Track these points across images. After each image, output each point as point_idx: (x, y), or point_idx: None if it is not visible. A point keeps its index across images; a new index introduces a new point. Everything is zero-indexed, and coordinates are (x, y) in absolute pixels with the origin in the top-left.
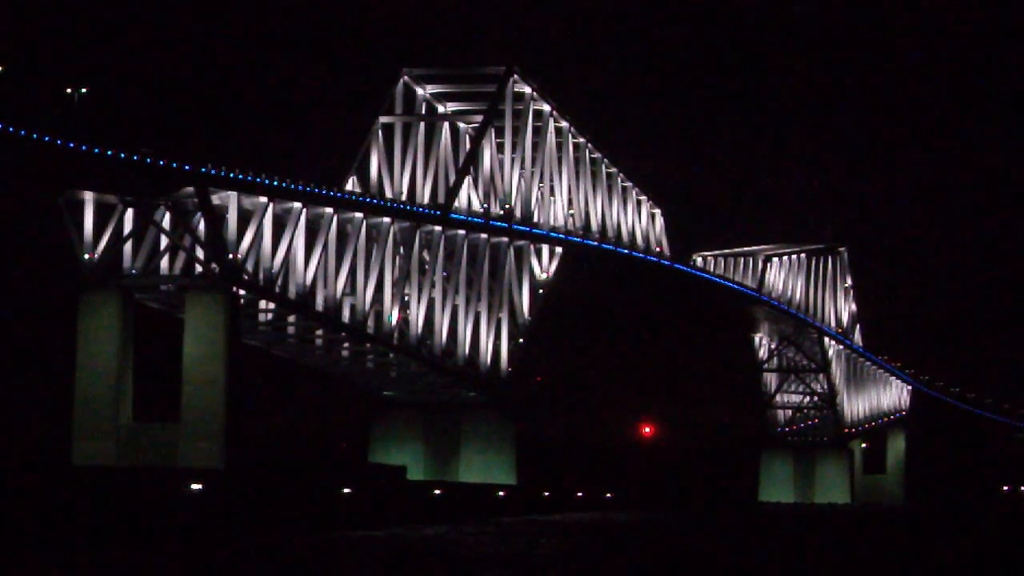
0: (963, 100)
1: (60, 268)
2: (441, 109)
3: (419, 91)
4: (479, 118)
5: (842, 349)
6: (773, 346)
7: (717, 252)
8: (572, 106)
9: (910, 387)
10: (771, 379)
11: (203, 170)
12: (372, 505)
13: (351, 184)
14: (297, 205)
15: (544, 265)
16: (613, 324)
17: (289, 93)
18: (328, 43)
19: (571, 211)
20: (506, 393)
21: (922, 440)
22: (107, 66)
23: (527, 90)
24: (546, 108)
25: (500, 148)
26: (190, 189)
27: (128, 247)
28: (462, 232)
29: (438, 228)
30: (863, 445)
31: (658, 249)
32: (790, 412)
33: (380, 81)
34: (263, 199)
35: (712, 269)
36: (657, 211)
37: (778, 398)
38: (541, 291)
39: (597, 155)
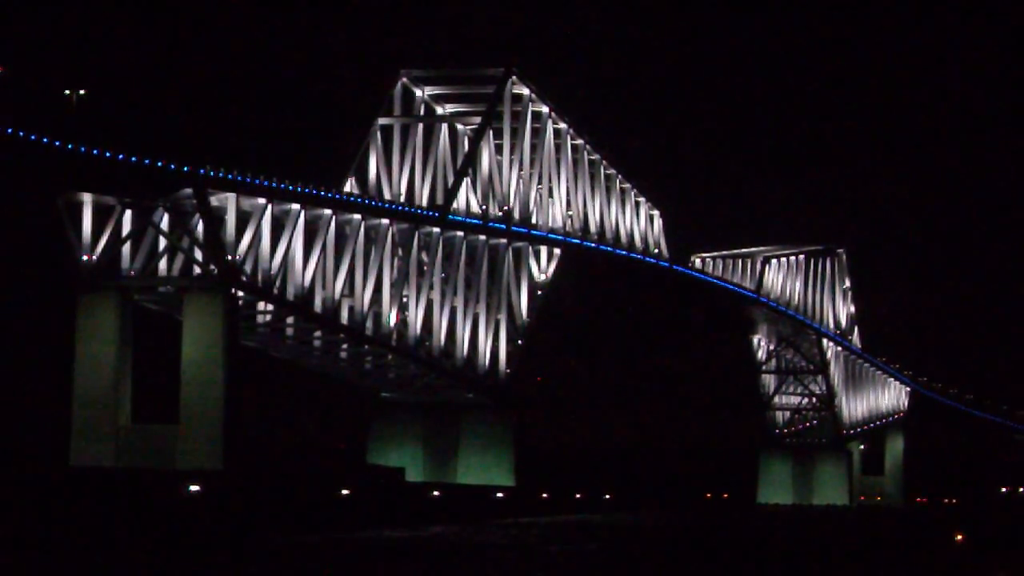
0: (963, 100)
1: (59, 269)
2: (440, 110)
3: (417, 92)
4: (477, 119)
5: (840, 350)
6: (772, 348)
7: (715, 254)
8: (571, 107)
9: (909, 388)
10: (770, 380)
11: (201, 171)
12: (370, 506)
13: (349, 185)
14: (296, 206)
15: (543, 266)
16: (612, 325)
17: (289, 93)
18: (328, 43)
19: (570, 212)
20: (505, 394)
21: (921, 441)
22: (106, 66)
23: (525, 91)
24: (545, 109)
25: (499, 149)
26: (188, 190)
27: (127, 248)
28: (460, 233)
29: (436, 229)
30: (862, 446)
31: (656, 250)
32: (789, 414)
33: (379, 82)
34: (261, 200)
35: (711, 271)
36: (656, 212)
37: (777, 400)
38: (539, 292)
39: (596, 156)
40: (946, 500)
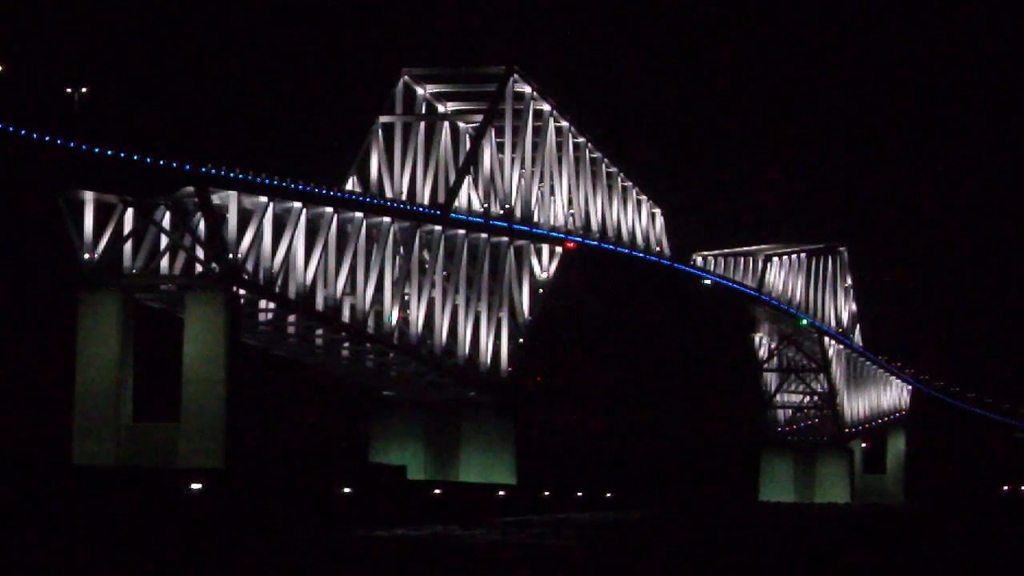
0: (963, 99)
1: (60, 268)
2: (441, 109)
3: (419, 91)
4: (479, 118)
5: (842, 349)
6: (773, 346)
7: (717, 252)
8: (572, 106)
9: (910, 387)
10: (771, 379)
11: (203, 170)
12: (372, 505)
13: (351, 184)
14: (297, 205)
15: (544, 265)
16: (613, 324)
17: (289, 93)
18: (328, 43)
19: (571, 211)
20: (506, 393)
21: (922, 440)
22: (107, 66)
23: (527, 90)
24: (546, 108)
25: (500, 148)
26: (190, 189)
27: (128, 247)
28: (462, 232)
29: (438, 228)
30: (863, 445)
31: (658, 249)
32: (790, 412)
33: (380, 81)
34: (263, 199)
35: (712, 269)
36: (657, 211)
37: (778, 398)
38: (541, 291)
39: (597, 155)
40: (947, 499)
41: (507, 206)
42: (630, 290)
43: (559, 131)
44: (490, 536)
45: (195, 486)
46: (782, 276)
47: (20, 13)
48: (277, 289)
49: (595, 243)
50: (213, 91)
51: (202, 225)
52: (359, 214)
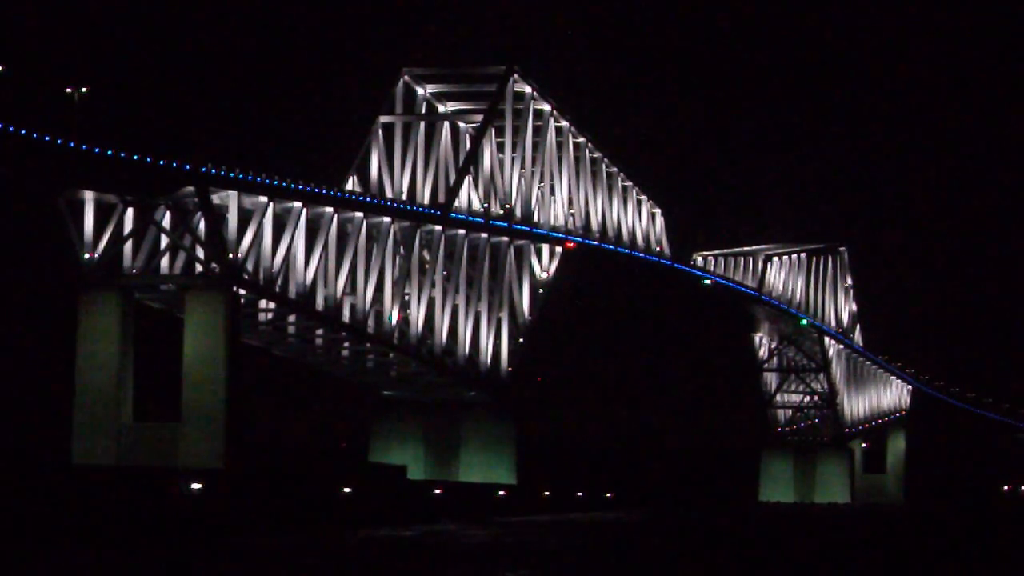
0: (963, 99)
1: (60, 268)
2: (441, 109)
3: (419, 91)
4: (479, 118)
5: (842, 349)
6: (773, 346)
7: (717, 252)
8: (572, 106)
9: (910, 387)
10: (771, 379)
11: (203, 170)
12: (372, 505)
13: (351, 184)
14: (297, 205)
15: (544, 264)
16: (613, 324)
17: (289, 93)
18: (328, 43)
19: (571, 211)
20: (506, 393)
21: (922, 440)
22: (107, 66)
23: (527, 90)
24: (546, 108)
25: (500, 148)
26: (190, 189)
27: (128, 247)
28: (462, 232)
29: (438, 228)
30: (863, 445)
31: (658, 249)
32: (790, 412)
33: (380, 81)
34: (263, 199)
35: (712, 269)
36: (657, 211)
37: (778, 398)
38: (541, 291)
39: (597, 155)
40: (947, 499)
41: (507, 206)
42: (630, 290)
43: (559, 131)
44: (486, 536)
45: (195, 486)
46: (782, 276)
47: (20, 13)
48: (277, 289)
49: (595, 243)
50: (213, 91)
51: (202, 225)
52: (359, 214)
